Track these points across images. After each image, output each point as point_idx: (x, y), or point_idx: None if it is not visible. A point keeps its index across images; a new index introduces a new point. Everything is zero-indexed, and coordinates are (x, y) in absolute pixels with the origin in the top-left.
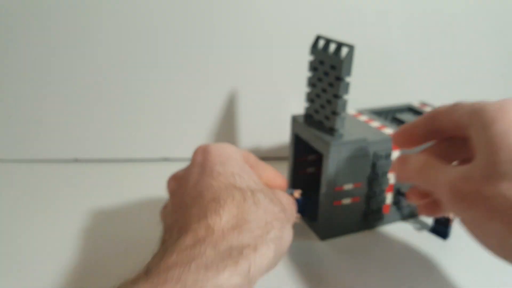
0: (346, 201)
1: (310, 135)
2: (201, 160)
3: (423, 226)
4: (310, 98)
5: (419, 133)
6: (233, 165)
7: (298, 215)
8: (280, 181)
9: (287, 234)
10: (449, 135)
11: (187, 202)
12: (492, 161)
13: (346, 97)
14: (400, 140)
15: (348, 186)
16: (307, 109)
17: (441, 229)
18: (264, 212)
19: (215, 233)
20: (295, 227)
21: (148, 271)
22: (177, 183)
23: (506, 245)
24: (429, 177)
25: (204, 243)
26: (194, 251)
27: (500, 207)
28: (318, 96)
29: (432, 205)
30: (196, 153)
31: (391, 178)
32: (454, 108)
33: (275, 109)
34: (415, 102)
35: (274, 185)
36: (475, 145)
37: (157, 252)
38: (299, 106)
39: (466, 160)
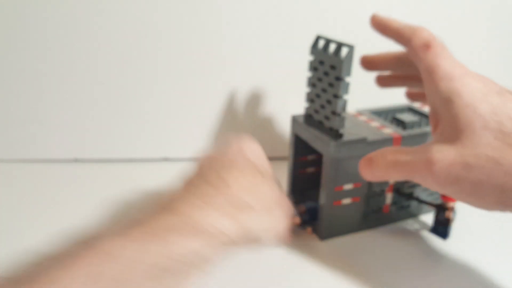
0: (346, 201)
1: (310, 135)
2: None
3: (423, 226)
4: (310, 98)
5: (389, 61)
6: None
7: (310, 228)
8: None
9: (282, 217)
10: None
11: (217, 166)
12: (466, 132)
13: (346, 97)
14: (369, 61)
15: (348, 186)
16: (307, 109)
17: (441, 229)
18: (270, 190)
19: (230, 188)
20: (295, 227)
21: (166, 206)
22: (210, 158)
23: (504, 198)
24: (405, 166)
25: (219, 193)
26: (210, 198)
27: (488, 170)
28: (318, 96)
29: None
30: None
31: None
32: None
33: (275, 109)
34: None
35: None
36: (440, 116)
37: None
38: (299, 106)
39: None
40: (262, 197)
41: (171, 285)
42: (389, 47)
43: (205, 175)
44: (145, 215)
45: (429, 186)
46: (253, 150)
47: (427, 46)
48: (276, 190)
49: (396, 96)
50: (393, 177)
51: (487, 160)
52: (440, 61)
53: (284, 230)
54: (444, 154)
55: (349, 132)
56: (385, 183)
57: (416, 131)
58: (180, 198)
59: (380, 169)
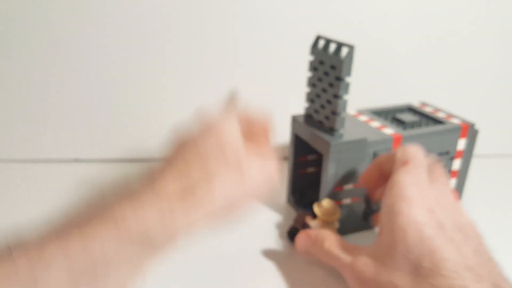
0: (346, 201)
1: (310, 135)
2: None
3: None
4: (310, 98)
5: (374, 177)
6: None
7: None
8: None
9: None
10: None
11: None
12: (390, 253)
13: (346, 97)
14: (364, 184)
15: (348, 186)
16: (307, 109)
17: None
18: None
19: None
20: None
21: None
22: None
23: None
24: (334, 260)
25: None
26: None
27: None
28: (318, 96)
29: None
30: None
31: None
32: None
33: (275, 109)
34: (415, 102)
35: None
36: (381, 227)
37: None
38: (299, 106)
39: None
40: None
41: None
42: (389, 46)
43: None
44: (82, 217)
45: (350, 285)
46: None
47: (404, 162)
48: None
49: (396, 97)
50: (322, 261)
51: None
52: (404, 177)
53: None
54: (366, 269)
55: (349, 132)
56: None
57: (416, 131)
58: (118, 199)
59: (316, 251)
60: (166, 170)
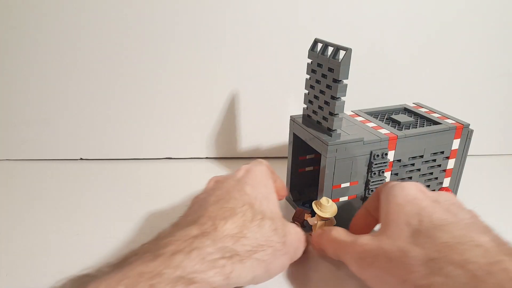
0: (343, 198)
1: (309, 135)
2: (240, 176)
3: None
4: (309, 100)
5: (363, 222)
6: (262, 191)
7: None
8: (283, 193)
9: (277, 263)
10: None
11: (210, 201)
12: (391, 226)
13: (343, 98)
14: (355, 231)
15: (345, 185)
16: (306, 110)
17: None
18: (261, 236)
19: (217, 232)
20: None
21: (154, 248)
22: (215, 185)
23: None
24: (340, 242)
25: (206, 237)
26: (197, 242)
27: (394, 261)
28: (316, 97)
29: None
30: (239, 169)
31: (387, 176)
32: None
33: (275, 110)
34: (410, 104)
35: (278, 194)
36: (382, 218)
37: (164, 231)
38: (299, 107)
39: None
40: (248, 242)
41: None
42: (386, 48)
43: (195, 212)
44: (132, 257)
45: (352, 268)
46: (255, 180)
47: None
48: (268, 230)
49: (392, 98)
50: (329, 250)
51: (398, 251)
52: (395, 183)
53: (282, 266)
54: (367, 242)
55: (346, 132)
56: (381, 182)
57: (411, 131)
58: (167, 240)
59: (324, 241)
60: (215, 210)
